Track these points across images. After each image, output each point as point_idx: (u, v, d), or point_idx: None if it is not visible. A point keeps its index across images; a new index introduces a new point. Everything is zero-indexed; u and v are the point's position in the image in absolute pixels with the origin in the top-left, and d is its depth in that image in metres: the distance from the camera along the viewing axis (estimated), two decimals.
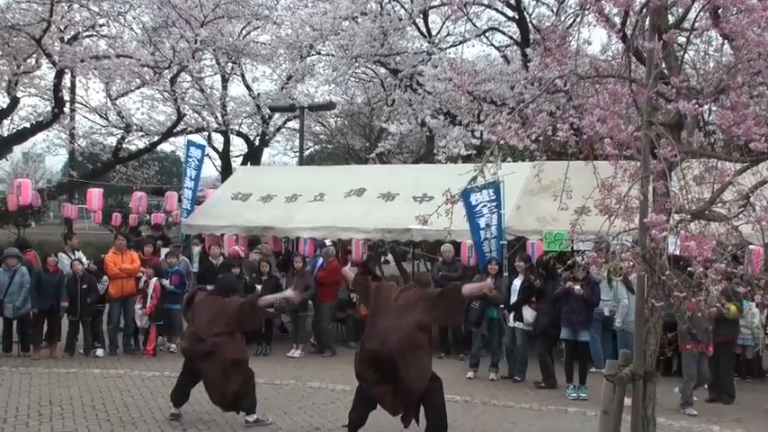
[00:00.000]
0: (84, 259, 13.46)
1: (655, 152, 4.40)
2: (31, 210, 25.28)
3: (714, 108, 4.67)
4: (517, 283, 11.34)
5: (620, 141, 4.40)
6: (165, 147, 32.60)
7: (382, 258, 23.47)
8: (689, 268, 4.16)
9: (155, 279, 12.86)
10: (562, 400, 10.17)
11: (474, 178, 4.66)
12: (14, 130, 22.02)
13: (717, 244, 4.25)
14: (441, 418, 7.50)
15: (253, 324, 10.06)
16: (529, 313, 11.14)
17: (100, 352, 12.76)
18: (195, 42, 21.15)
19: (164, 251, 14.85)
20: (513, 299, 11.28)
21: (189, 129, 24.21)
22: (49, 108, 20.98)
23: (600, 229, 4.46)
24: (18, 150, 30.05)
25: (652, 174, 4.41)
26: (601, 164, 4.73)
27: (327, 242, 15.72)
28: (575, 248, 7.97)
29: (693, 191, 4.53)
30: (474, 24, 21.37)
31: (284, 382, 10.93)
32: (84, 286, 12.53)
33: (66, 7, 19.08)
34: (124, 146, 25.25)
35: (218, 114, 25.01)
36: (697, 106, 4.22)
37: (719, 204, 4.54)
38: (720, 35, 4.59)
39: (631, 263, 4.26)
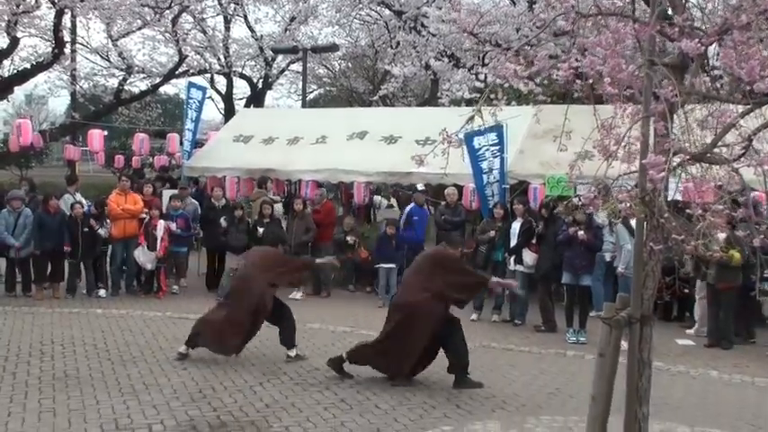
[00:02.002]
0: (84, 202, 13.46)
1: (656, 93, 4.31)
2: (33, 151, 25.24)
3: (718, 51, 4.56)
4: (516, 226, 11.29)
5: (620, 81, 4.31)
6: (168, 89, 32.50)
7: (386, 203, 23.45)
8: (687, 210, 4.11)
9: (162, 222, 12.86)
10: (561, 344, 10.23)
11: (471, 118, 4.56)
12: (15, 71, 21.80)
13: (717, 188, 4.19)
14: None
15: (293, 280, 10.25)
16: (529, 256, 11.13)
17: (102, 293, 12.86)
18: None
19: (166, 193, 14.85)
20: (513, 242, 11.26)
21: (191, 71, 23.99)
22: (49, 49, 20.72)
23: (597, 171, 4.39)
24: (20, 92, 29.85)
25: (653, 115, 4.33)
26: (602, 107, 4.64)
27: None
28: (577, 193, 7.91)
29: (696, 134, 4.44)
30: None
31: None
32: (86, 229, 12.54)
33: None
34: (126, 87, 25.09)
35: (221, 56, 24.78)
36: (700, 45, 4.12)
37: (722, 147, 4.46)
38: None
39: (628, 204, 4.21)
